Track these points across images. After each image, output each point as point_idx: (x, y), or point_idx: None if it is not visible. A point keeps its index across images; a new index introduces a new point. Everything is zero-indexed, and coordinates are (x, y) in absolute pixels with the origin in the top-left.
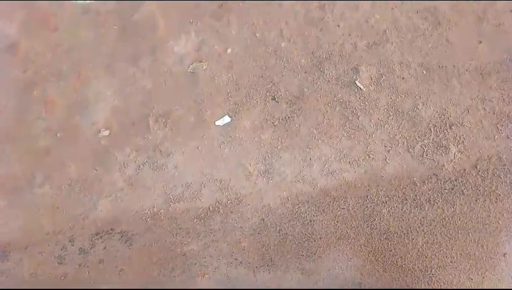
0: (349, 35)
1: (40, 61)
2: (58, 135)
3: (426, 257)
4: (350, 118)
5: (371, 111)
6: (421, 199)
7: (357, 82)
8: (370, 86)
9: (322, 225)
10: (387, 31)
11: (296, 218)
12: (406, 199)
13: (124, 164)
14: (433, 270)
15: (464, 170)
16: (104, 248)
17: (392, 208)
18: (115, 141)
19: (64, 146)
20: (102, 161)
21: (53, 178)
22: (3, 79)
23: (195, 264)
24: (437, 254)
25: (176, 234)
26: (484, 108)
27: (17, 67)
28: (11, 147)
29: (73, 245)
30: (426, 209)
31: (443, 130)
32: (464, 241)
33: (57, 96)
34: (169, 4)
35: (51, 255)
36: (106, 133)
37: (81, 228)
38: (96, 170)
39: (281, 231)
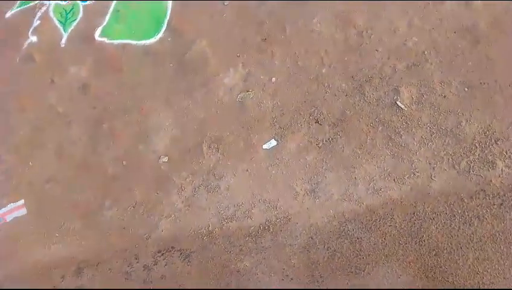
0: (388, 58)
1: (108, 98)
2: (124, 163)
3: (478, 273)
4: (393, 137)
5: (413, 129)
6: (470, 214)
7: (398, 102)
8: (411, 106)
9: (369, 242)
10: (425, 52)
11: (343, 236)
12: (454, 215)
13: (181, 187)
14: (485, 287)
15: None
16: (166, 264)
17: (440, 225)
18: (174, 167)
19: (130, 173)
20: (163, 184)
21: (120, 201)
22: (78, 115)
23: (249, 280)
24: (489, 270)
25: (230, 252)
26: None
27: (88, 105)
28: (85, 175)
29: (138, 262)
30: (475, 225)
31: (489, 146)
32: None
33: (123, 129)
34: (218, 41)
35: (119, 272)
36: (165, 159)
37: (145, 246)
38: (157, 193)
39: (329, 249)
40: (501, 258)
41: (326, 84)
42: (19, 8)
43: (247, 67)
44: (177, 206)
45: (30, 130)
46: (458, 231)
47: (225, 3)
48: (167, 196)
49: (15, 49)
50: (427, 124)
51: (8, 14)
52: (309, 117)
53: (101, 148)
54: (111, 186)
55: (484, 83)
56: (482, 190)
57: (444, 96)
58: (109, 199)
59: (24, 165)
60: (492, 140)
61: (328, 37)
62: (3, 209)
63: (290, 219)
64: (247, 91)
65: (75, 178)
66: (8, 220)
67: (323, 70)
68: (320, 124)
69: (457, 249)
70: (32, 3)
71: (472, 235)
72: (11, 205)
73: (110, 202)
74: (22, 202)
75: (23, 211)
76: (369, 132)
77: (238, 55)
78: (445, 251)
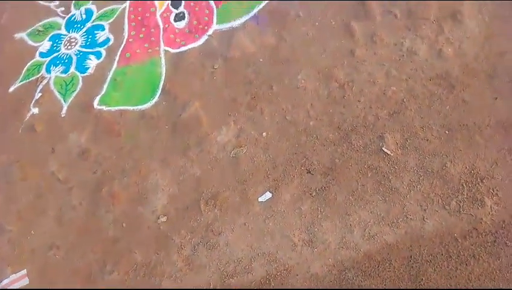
0: (370, 107)
1: (107, 162)
2: (124, 225)
3: None
4: (383, 182)
5: (401, 174)
6: (465, 254)
7: (384, 148)
8: (397, 151)
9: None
10: (404, 99)
11: (344, 284)
12: (450, 256)
13: (181, 245)
14: None
15: (504, 221)
16: None
17: (438, 266)
18: (172, 226)
19: (130, 234)
20: (163, 244)
21: (121, 265)
22: (78, 181)
23: None
24: None
25: None
26: None
27: (88, 170)
28: (86, 239)
29: None
30: (472, 264)
31: (475, 185)
32: None
33: (121, 191)
34: (210, 102)
35: None
36: (164, 219)
37: None
38: (157, 253)
39: None
40: None
41: (314, 136)
42: (21, 83)
43: (239, 124)
44: (177, 265)
45: (32, 198)
46: (456, 271)
47: (215, 67)
48: (167, 256)
49: (18, 121)
50: (413, 167)
51: (11, 89)
52: (301, 168)
53: (101, 212)
54: (111, 250)
55: (463, 125)
56: (474, 228)
57: (427, 140)
58: (110, 263)
59: (26, 234)
60: (478, 179)
61: (312, 91)
62: (6, 281)
63: (290, 270)
64: (240, 147)
65: (76, 243)
66: None
67: (311, 123)
68: (312, 174)
69: None
70: (34, 77)
71: (470, 275)
72: (14, 276)
73: (111, 266)
74: (24, 271)
75: (25, 281)
76: (360, 178)
77: (229, 113)
78: None
